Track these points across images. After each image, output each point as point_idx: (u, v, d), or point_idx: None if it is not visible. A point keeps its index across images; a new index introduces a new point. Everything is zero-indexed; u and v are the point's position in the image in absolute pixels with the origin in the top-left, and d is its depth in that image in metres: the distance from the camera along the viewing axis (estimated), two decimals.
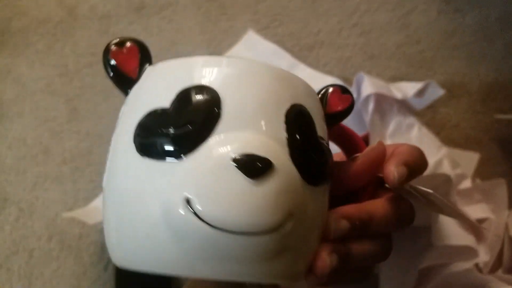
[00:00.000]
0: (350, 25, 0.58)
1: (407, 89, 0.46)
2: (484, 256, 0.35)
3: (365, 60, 0.56)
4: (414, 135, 0.45)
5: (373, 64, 0.55)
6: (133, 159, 0.16)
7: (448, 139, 0.52)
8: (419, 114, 0.51)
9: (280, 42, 0.57)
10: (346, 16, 0.58)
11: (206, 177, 0.14)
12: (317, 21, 0.58)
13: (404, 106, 0.46)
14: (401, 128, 0.45)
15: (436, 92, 0.47)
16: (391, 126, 0.44)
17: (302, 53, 0.56)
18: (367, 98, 0.43)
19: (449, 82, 0.55)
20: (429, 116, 0.53)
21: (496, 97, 0.54)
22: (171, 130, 0.15)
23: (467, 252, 0.34)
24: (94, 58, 0.55)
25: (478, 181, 0.46)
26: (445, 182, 0.33)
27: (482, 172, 0.48)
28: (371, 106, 0.43)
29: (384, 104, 0.45)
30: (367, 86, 0.44)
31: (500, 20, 0.56)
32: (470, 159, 0.48)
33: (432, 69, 0.55)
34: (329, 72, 0.55)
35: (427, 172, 0.43)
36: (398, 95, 0.46)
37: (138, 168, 0.16)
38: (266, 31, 0.58)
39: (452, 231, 0.35)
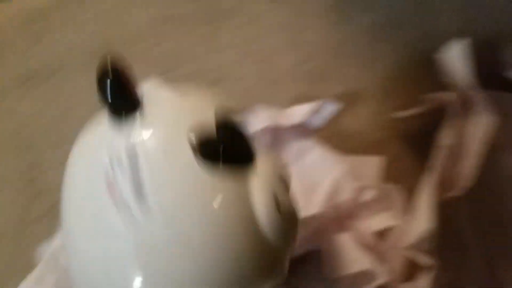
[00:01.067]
0: (248, 55, 0.59)
1: (303, 112, 0.48)
2: (384, 275, 0.36)
3: (267, 86, 0.57)
4: (314, 157, 0.46)
5: (275, 89, 0.57)
6: None
7: (355, 147, 0.54)
8: (323, 130, 0.53)
9: (181, 84, 0.58)
10: (244, 46, 0.60)
11: None
12: (216, 56, 0.59)
13: (302, 129, 0.48)
14: (300, 153, 0.46)
15: (332, 107, 0.49)
16: (290, 154, 0.46)
17: None
18: (261, 132, 0.45)
19: (348, 90, 0.57)
20: (334, 129, 0.55)
21: (394, 96, 0.56)
22: None
23: (364, 277, 0.35)
24: None
25: (383, 185, 0.48)
26: None
27: (391, 172, 0.51)
28: (265, 139, 0.44)
29: (279, 134, 0.46)
30: (259, 120, 0.45)
31: (388, 23, 0.59)
32: (374, 164, 0.50)
33: (332, 81, 0.57)
34: (235, 105, 0.56)
35: (328, 191, 0.45)
36: (295, 119, 0.48)
37: None
38: (167, 76, 0.59)
39: (345, 259, 0.37)
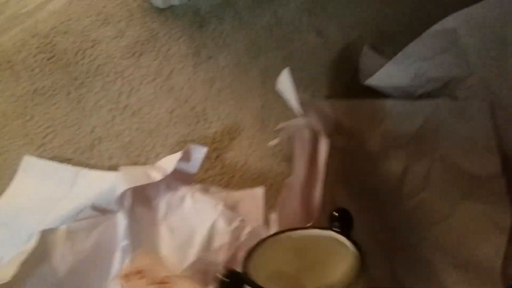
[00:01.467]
0: (120, 110, 0.58)
1: (169, 164, 0.47)
2: None
3: (146, 137, 0.57)
4: (187, 206, 0.46)
5: (155, 138, 0.57)
6: None
7: (242, 180, 0.55)
8: (208, 170, 0.53)
9: (60, 154, 0.56)
10: (114, 102, 0.59)
11: None
12: (89, 118, 0.58)
13: (174, 180, 0.48)
14: (172, 205, 0.46)
15: (200, 151, 0.49)
16: (161, 209, 0.45)
17: (84, 156, 0.56)
18: (123, 195, 0.44)
19: (226, 125, 0.58)
20: (219, 167, 0.56)
21: (269, 123, 0.58)
22: None
23: None
24: None
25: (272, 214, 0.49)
26: None
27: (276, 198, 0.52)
28: (128, 202, 0.43)
29: (145, 193, 0.46)
30: (120, 183, 0.44)
31: (248, 52, 0.61)
32: (256, 195, 0.50)
33: (208, 120, 0.58)
34: (117, 164, 0.55)
35: (204, 239, 0.44)
36: (161, 174, 0.47)
37: None
38: (43, 149, 0.56)
39: None
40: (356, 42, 0.61)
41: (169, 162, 0.47)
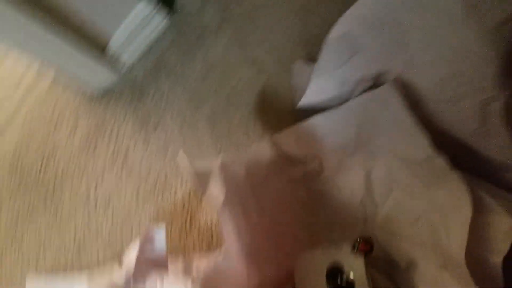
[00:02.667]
0: (93, 207, 0.60)
1: (131, 257, 0.47)
2: None
3: (122, 225, 0.58)
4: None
5: (130, 223, 0.58)
6: None
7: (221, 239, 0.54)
8: (187, 236, 0.53)
9: (55, 264, 0.59)
10: (85, 201, 0.61)
11: None
12: (69, 224, 0.61)
13: (145, 267, 0.48)
14: None
15: (159, 231, 0.49)
16: None
17: (75, 259, 0.59)
18: None
19: (190, 187, 0.57)
20: (196, 231, 0.55)
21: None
22: None
23: None
24: None
25: None
26: None
27: None
28: None
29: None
30: None
31: (191, 105, 0.60)
32: None
33: (173, 187, 0.57)
34: (104, 257, 0.57)
35: None
36: (130, 264, 0.47)
37: None
38: (41, 263, 0.60)
39: None
40: (289, 59, 0.57)
41: (133, 255, 0.47)
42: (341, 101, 0.45)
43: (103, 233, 0.58)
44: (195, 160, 0.43)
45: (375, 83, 0.42)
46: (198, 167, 0.43)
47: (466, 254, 0.33)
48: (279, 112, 0.55)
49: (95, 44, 0.61)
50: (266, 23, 0.60)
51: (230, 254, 0.38)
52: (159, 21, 0.64)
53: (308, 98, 0.46)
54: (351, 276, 0.37)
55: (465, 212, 0.34)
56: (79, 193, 0.61)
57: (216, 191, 0.38)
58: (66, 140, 0.65)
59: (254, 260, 0.38)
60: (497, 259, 0.33)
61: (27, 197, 0.63)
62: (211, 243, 0.54)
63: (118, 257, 0.56)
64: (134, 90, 0.64)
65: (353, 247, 0.38)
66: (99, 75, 0.63)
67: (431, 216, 0.39)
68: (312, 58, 0.54)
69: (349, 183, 0.46)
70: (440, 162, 0.37)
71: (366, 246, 0.38)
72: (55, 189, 0.62)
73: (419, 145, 0.37)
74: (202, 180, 0.41)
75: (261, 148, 0.47)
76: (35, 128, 0.69)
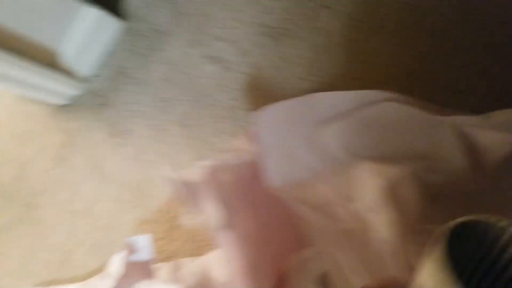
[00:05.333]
0: (74, 217, 0.60)
1: (119, 265, 0.47)
2: None
3: (106, 233, 0.58)
4: None
5: (113, 231, 0.58)
6: None
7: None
8: (175, 241, 0.52)
9: (45, 277, 0.59)
10: (67, 212, 0.60)
11: None
12: (53, 236, 0.59)
13: (132, 277, 0.47)
14: None
15: (144, 239, 0.48)
16: None
17: (64, 271, 0.59)
18: None
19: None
20: (184, 236, 0.54)
21: None
22: None
23: None
24: None
25: None
26: None
27: None
28: None
29: None
30: None
31: (157, 109, 0.59)
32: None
33: (152, 193, 0.57)
34: (93, 267, 0.57)
35: None
36: (112, 282, 0.46)
37: None
38: (30, 279, 0.59)
39: None
40: (250, 52, 0.56)
41: (118, 265, 0.46)
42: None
43: (86, 244, 0.57)
44: (177, 172, 0.42)
45: None
46: (183, 179, 0.42)
47: None
48: (251, 107, 0.54)
49: (45, 57, 0.58)
50: (222, 16, 0.58)
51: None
52: (110, 27, 0.61)
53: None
54: None
55: None
56: (59, 205, 0.60)
57: (210, 209, 0.38)
58: (37, 155, 0.62)
59: (254, 272, 0.38)
60: None
61: (5, 212, 0.61)
62: (195, 248, 0.53)
63: (102, 267, 0.55)
64: (98, 99, 0.62)
65: None
66: (59, 88, 0.61)
67: None
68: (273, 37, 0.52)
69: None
70: None
71: None
72: (33, 203, 0.61)
73: None
74: (189, 193, 0.41)
75: (241, 148, 0.46)
76: (3, 144, 0.66)
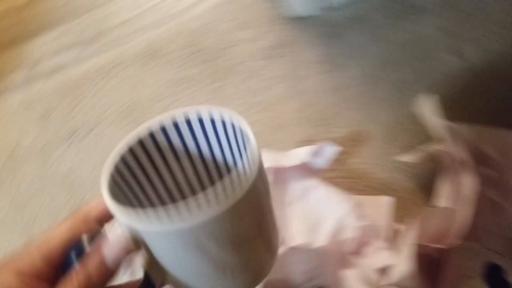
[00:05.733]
0: (252, 104, 0.63)
1: (304, 154, 0.49)
2: None
3: (273, 131, 0.60)
4: (318, 195, 0.47)
5: (281, 134, 0.60)
6: None
7: (366, 188, 0.54)
8: (330, 171, 0.54)
9: None
10: (250, 96, 0.64)
11: None
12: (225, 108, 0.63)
13: (304, 169, 0.49)
14: (304, 192, 0.47)
15: (332, 149, 0.50)
16: (291, 193, 0.47)
17: None
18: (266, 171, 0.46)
19: (352, 132, 0.58)
20: (345, 170, 0.56)
21: (397, 137, 0.57)
22: None
23: None
24: (41, 185, 0.60)
25: (395, 225, 0.48)
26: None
27: (401, 212, 0.50)
28: (268, 178, 0.45)
29: (281, 174, 0.48)
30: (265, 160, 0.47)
31: (381, 65, 0.62)
32: (384, 203, 0.49)
33: (334, 124, 0.59)
34: None
35: (332, 228, 0.45)
36: (296, 160, 0.49)
37: None
38: None
39: None
40: (499, 69, 0.58)
41: (302, 153, 0.49)
42: None
43: (252, 130, 0.60)
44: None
45: None
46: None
47: None
48: (470, 111, 0.55)
49: None
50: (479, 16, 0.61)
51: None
52: None
53: None
54: None
55: None
56: (243, 89, 0.65)
57: (457, 150, 0.40)
58: (247, 42, 0.68)
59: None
60: None
61: (194, 69, 0.68)
62: (353, 188, 0.55)
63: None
64: (327, 29, 0.66)
65: None
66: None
67: None
68: None
69: None
70: None
71: None
72: (222, 76, 0.66)
73: None
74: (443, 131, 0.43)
75: (468, 135, 0.47)
76: (220, 21, 0.73)
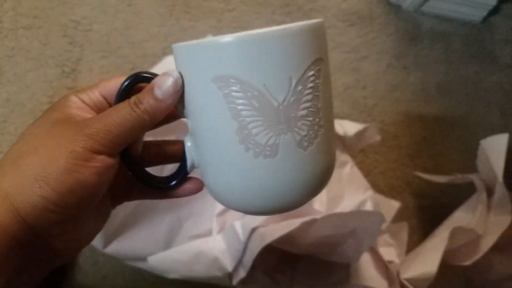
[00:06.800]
0: None
1: (348, 128, 0.47)
2: None
3: None
4: (346, 172, 0.45)
5: None
6: None
7: (373, 184, 0.54)
8: (350, 155, 0.53)
9: None
10: None
11: None
12: None
13: (341, 143, 0.47)
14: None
15: (373, 137, 0.49)
16: None
17: None
18: None
19: (384, 131, 0.57)
20: (360, 159, 0.56)
21: (422, 155, 0.57)
22: None
23: None
24: (35, 21, 0.49)
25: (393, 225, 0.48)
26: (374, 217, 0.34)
27: (397, 220, 0.51)
28: None
29: None
30: None
31: (439, 86, 0.61)
32: (390, 206, 0.50)
33: (372, 116, 0.58)
34: None
35: (352, 203, 0.43)
36: (340, 131, 0.47)
37: None
38: None
39: (368, 273, 0.36)
40: None
41: (350, 127, 0.47)
42: None
43: None
44: None
45: None
46: None
47: None
48: None
49: None
50: None
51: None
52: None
53: None
54: None
55: None
56: None
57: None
58: None
59: None
60: None
61: None
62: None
63: None
64: (412, 30, 0.63)
65: None
66: None
67: None
68: None
69: None
70: None
71: None
72: (291, 12, 0.60)
73: None
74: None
75: None
76: None
